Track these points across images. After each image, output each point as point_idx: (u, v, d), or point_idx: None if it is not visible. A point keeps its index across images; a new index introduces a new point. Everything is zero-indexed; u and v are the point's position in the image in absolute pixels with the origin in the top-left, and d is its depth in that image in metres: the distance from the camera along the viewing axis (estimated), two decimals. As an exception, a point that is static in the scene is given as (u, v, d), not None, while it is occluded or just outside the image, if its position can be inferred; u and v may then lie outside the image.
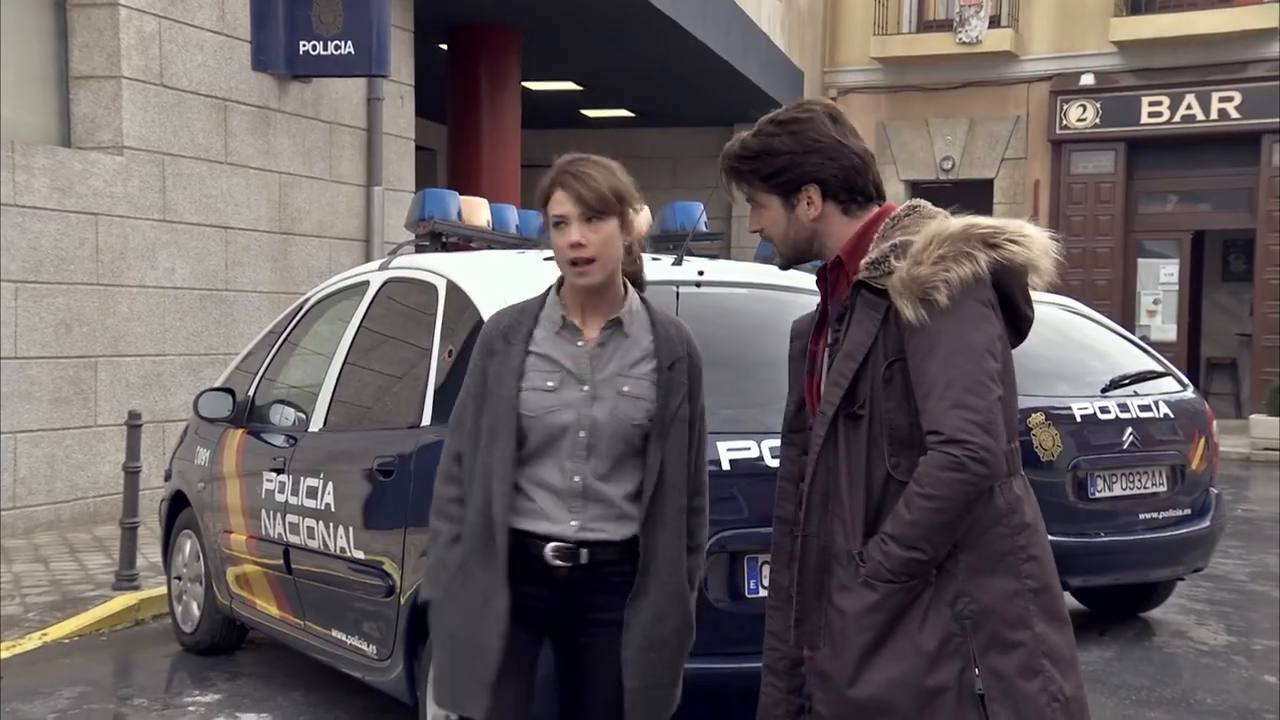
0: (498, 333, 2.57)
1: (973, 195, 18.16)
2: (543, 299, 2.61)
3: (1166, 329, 17.08)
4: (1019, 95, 17.86)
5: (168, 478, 5.91)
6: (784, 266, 2.44)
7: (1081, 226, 17.70)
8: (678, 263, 4.28)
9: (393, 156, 10.41)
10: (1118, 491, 5.52)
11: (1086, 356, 5.94)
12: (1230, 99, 16.63)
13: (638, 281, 2.61)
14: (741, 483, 3.58)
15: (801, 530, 2.24)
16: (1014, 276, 2.16)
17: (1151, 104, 17.06)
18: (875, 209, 2.29)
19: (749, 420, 3.68)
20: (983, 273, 2.11)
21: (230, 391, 5.17)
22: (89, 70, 8.00)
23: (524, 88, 13.00)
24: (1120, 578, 5.65)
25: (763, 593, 3.54)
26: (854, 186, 2.28)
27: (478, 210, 4.72)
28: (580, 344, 2.51)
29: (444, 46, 12.34)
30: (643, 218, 2.55)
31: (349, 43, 9.05)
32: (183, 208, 8.49)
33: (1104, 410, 5.53)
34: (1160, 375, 5.98)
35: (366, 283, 4.78)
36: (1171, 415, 5.72)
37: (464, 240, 4.80)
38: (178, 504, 5.69)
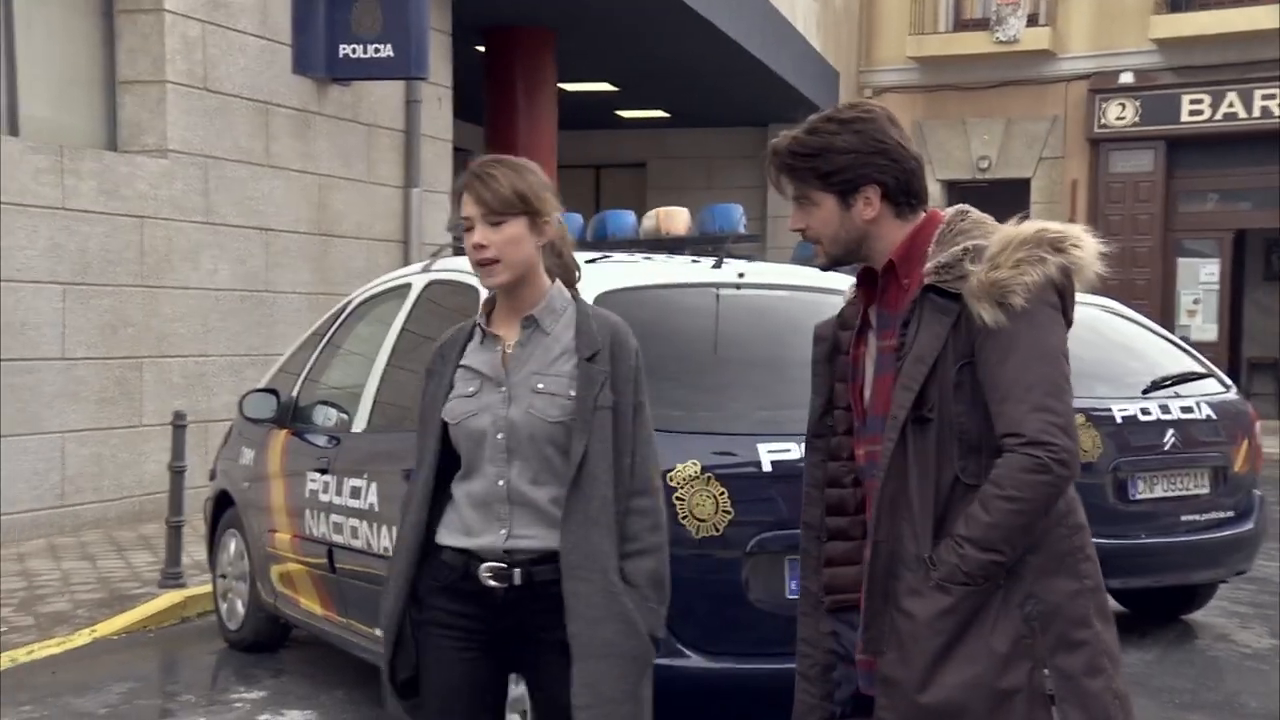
0: (437, 354, 2.59)
1: (1010, 195, 18.05)
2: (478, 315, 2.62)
3: (1207, 329, 16.93)
4: (1057, 94, 17.75)
5: (212, 477, 5.99)
6: (826, 267, 2.41)
7: (1120, 226, 17.55)
8: (718, 265, 4.31)
9: (430, 158, 10.50)
10: (1159, 493, 5.50)
11: (1127, 357, 5.91)
12: (1273, 96, 16.46)
13: (569, 280, 2.58)
14: (782, 484, 3.61)
15: (871, 536, 2.22)
16: (1069, 281, 2.19)
17: (1192, 102, 16.91)
18: (923, 214, 2.31)
19: (789, 422, 3.68)
20: (1056, 276, 2.14)
21: (274, 392, 5.24)
22: (135, 75, 8.12)
23: (559, 89, 13.06)
24: (1161, 580, 5.63)
25: (792, 598, 3.60)
26: (910, 190, 2.28)
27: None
28: (499, 349, 2.51)
29: (480, 48, 12.41)
30: (556, 219, 2.51)
31: (388, 46, 9.13)
32: (225, 210, 8.60)
33: (1145, 412, 5.51)
34: (1202, 376, 5.95)
35: (409, 285, 4.83)
36: (1214, 417, 5.68)
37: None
38: (222, 503, 5.77)
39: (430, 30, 9.46)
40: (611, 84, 15.29)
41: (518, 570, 2.43)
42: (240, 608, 5.59)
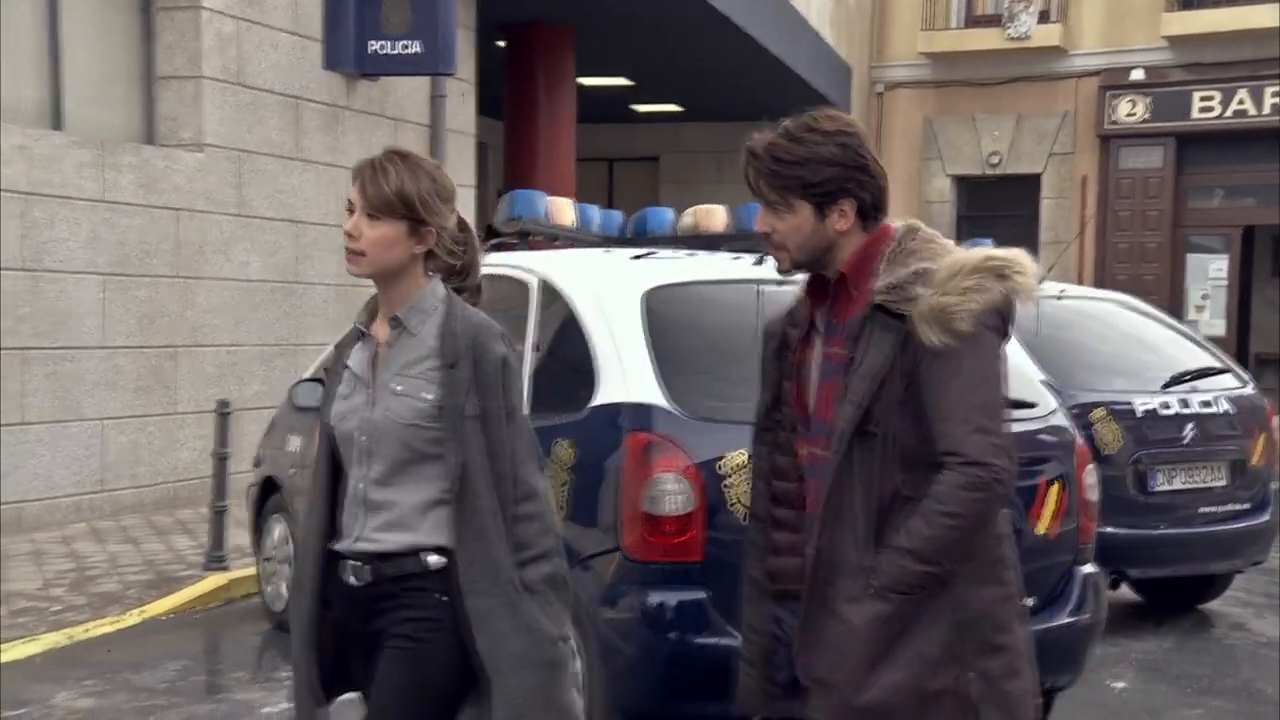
0: (334, 353, 2.57)
1: (1020, 190, 18.23)
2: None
3: (1215, 324, 17.06)
4: (1068, 90, 17.86)
5: (257, 464, 6.17)
6: (788, 272, 2.42)
7: (1129, 222, 17.70)
8: (759, 261, 4.47)
9: (454, 152, 10.65)
10: (1178, 485, 5.66)
11: (1147, 352, 6.08)
12: (1284, 94, 16.60)
13: (464, 281, 2.51)
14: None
15: (813, 543, 2.29)
16: (1010, 306, 2.25)
17: (1203, 99, 17.03)
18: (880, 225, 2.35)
19: (833, 413, 3.87)
20: (999, 303, 2.19)
21: (323, 381, 5.40)
22: (172, 70, 8.28)
23: (577, 83, 13.21)
24: (1179, 570, 5.80)
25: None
26: (880, 206, 2.32)
27: (564, 210, 4.93)
28: (373, 349, 2.46)
29: (501, 44, 12.56)
30: (448, 229, 2.41)
31: (417, 42, 9.28)
32: (257, 203, 8.77)
33: (1165, 406, 5.67)
34: (1221, 371, 6.11)
35: (456, 279, 4.99)
36: (1232, 411, 5.85)
37: (549, 239, 5.02)
38: (267, 489, 5.94)
39: (457, 27, 9.61)
40: (628, 79, 15.43)
41: (367, 567, 2.40)
42: (285, 590, 5.76)
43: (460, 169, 10.79)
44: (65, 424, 7.50)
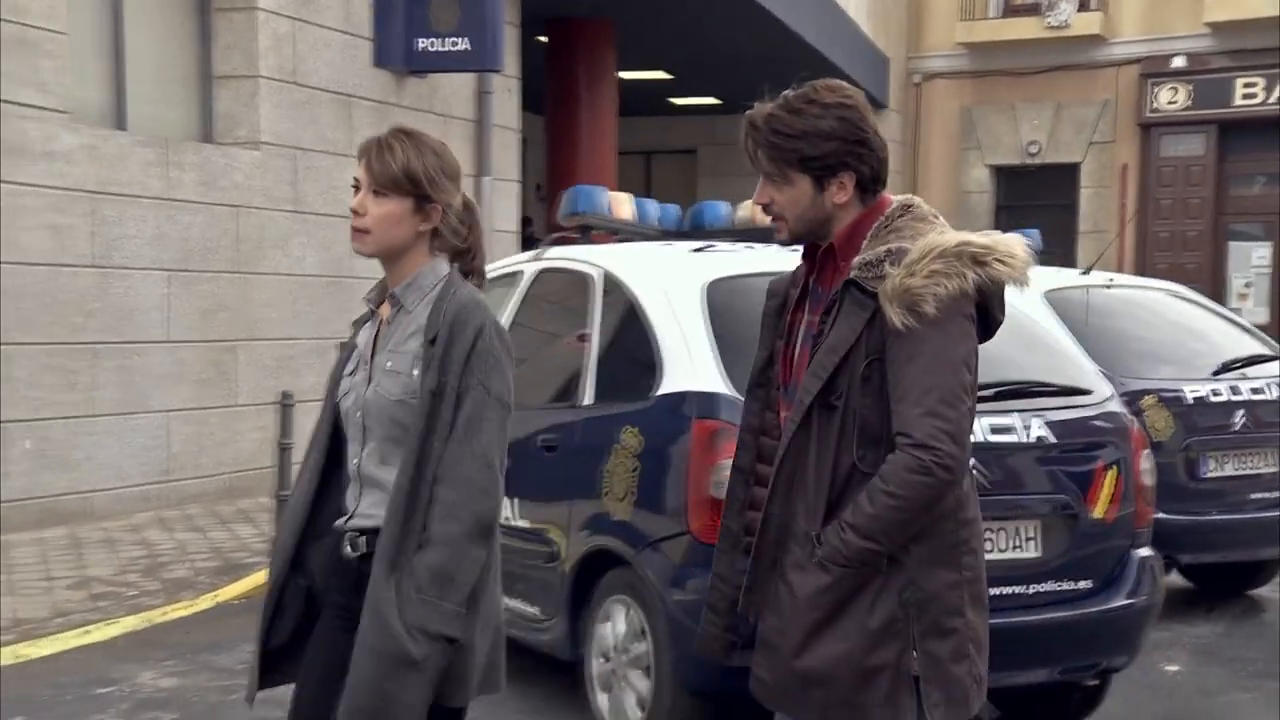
0: (352, 330, 2.59)
1: (1059, 180, 18.19)
2: None
3: (1258, 312, 16.97)
4: (1108, 79, 17.78)
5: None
6: (788, 243, 2.46)
7: (1170, 210, 17.62)
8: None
9: (500, 147, 10.80)
10: (1229, 471, 5.73)
11: (1196, 340, 6.14)
12: (1327, 79, 16.49)
13: (470, 263, 2.51)
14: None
15: (765, 507, 2.32)
16: (995, 289, 2.26)
17: (1246, 85, 16.91)
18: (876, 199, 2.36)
19: (894, 400, 3.98)
20: (969, 290, 2.20)
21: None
22: (229, 70, 8.47)
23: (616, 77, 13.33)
24: (1229, 555, 5.86)
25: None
26: (879, 178, 2.33)
27: (624, 205, 5.06)
28: (376, 327, 2.50)
29: (543, 39, 12.70)
30: (455, 205, 2.44)
31: (465, 39, 9.44)
32: (312, 199, 8.95)
33: (1215, 393, 5.74)
34: (1271, 358, 6.16)
35: (520, 272, 5.14)
36: (1282, 397, 5.91)
37: (610, 233, 5.15)
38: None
39: (504, 24, 9.75)
40: (666, 72, 15.53)
41: (363, 539, 2.41)
42: (351, 576, 5.94)
43: (506, 164, 10.94)
44: (132, 416, 7.71)
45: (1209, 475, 5.70)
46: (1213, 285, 17.07)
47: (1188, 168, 17.58)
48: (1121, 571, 4.08)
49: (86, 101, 7.64)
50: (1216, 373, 5.87)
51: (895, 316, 2.19)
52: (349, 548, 2.43)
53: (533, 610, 4.52)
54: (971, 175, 18.69)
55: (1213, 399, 5.73)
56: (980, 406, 3.89)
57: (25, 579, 6.06)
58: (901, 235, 2.27)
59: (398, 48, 9.45)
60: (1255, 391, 5.84)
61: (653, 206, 5.32)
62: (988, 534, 3.91)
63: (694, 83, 16.22)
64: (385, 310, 2.48)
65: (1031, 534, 3.95)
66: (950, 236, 2.25)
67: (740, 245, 4.86)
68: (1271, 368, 6.10)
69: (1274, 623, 5.88)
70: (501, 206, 10.77)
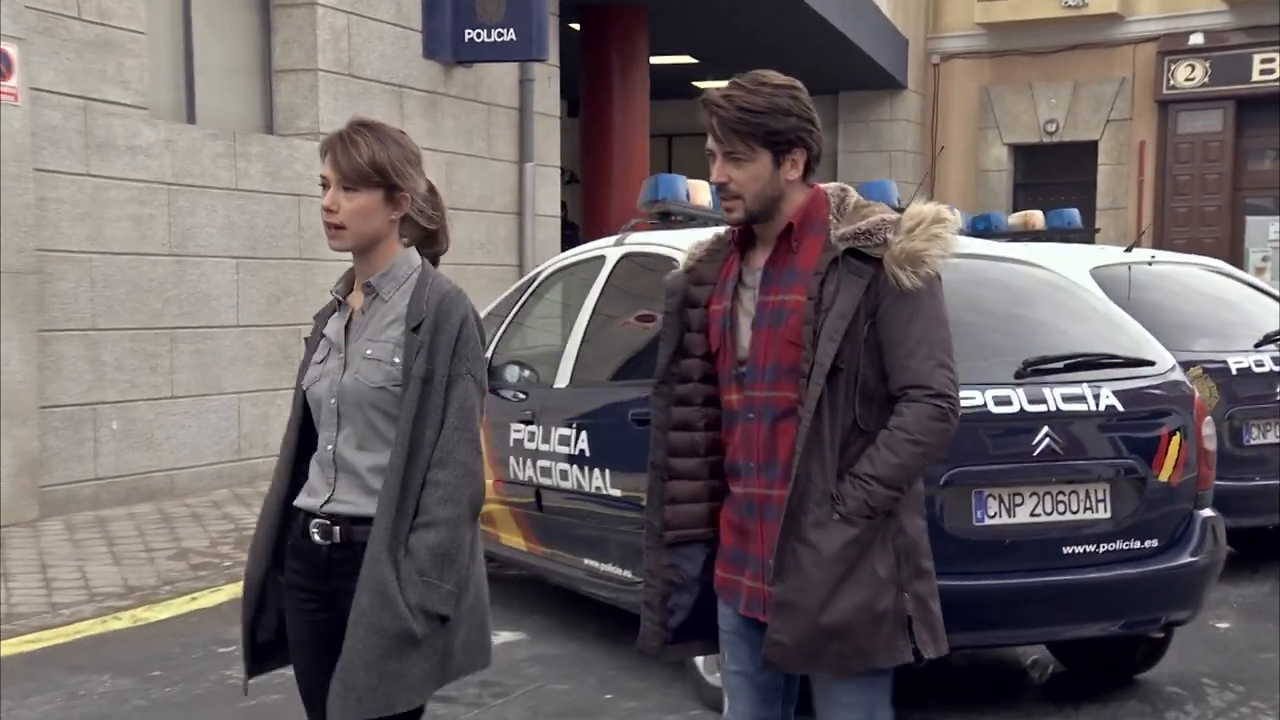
0: (316, 321, 2.62)
1: (1077, 157, 18.39)
2: None
3: (1274, 285, 17.18)
4: (1125, 56, 17.96)
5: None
6: (741, 222, 2.50)
7: (1188, 186, 17.82)
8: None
9: (542, 134, 11.08)
10: (1271, 439, 6.02)
11: (1237, 314, 6.42)
12: (1345, 55, 16.67)
13: (435, 246, 2.58)
14: (968, 427, 4.12)
15: (795, 471, 2.38)
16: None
17: (1263, 61, 17.08)
18: (810, 185, 2.51)
19: (972, 372, 4.22)
20: (948, 254, 2.42)
21: (473, 355, 5.88)
22: (289, 64, 8.76)
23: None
24: (1271, 520, 6.15)
25: (989, 520, 4.17)
26: (818, 159, 2.50)
27: (702, 192, 5.35)
28: (347, 316, 2.53)
29: (575, 26, 12.95)
30: (420, 193, 2.51)
31: (511, 30, 9.71)
32: (368, 187, 9.23)
33: (1258, 364, 6.02)
34: (1310, 330, 6.45)
35: (602, 257, 5.43)
36: (1322, 368, 6.19)
37: (688, 218, 5.44)
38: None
39: (549, 15, 10.02)
40: (693, 56, 15.78)
41: (338, 528, 2.43)
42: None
43: (547, 150, 11.22)
44: (207, 397, 8.04)
45: (1252, 443, 5.99)
46: (1230, 260, 17.22)
47: (1205, 144, 17.77)
48: (1186, 531, 4.35)
49: (161, 97, 7.94)
50: (1258, 344, 6.15)
51: (904, 278, 2.36)
52: (318, 535, 2.45)
53: (625, 573, 4.83)
54: (990, 154, 18.89)
55: (1256, 370, 6.01)
56: (1052, 377, 4.24)
57: (128, 550, 6.40)
58: (874, 210, 2.44)
59: (446, 39, 9.72)
60: (1295, 362, 6.13)
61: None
62: (1060, 497, 4.23)
63: (718, 66, 16.44)
64: (357, 300, 2.51)
65: (1101, 496, 4.24)
66: (929, 206, 2.44)
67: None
68: (1309, 340, 6.37)
69: (1314, 582, 6.18)
70: (544, 192, 11.06)
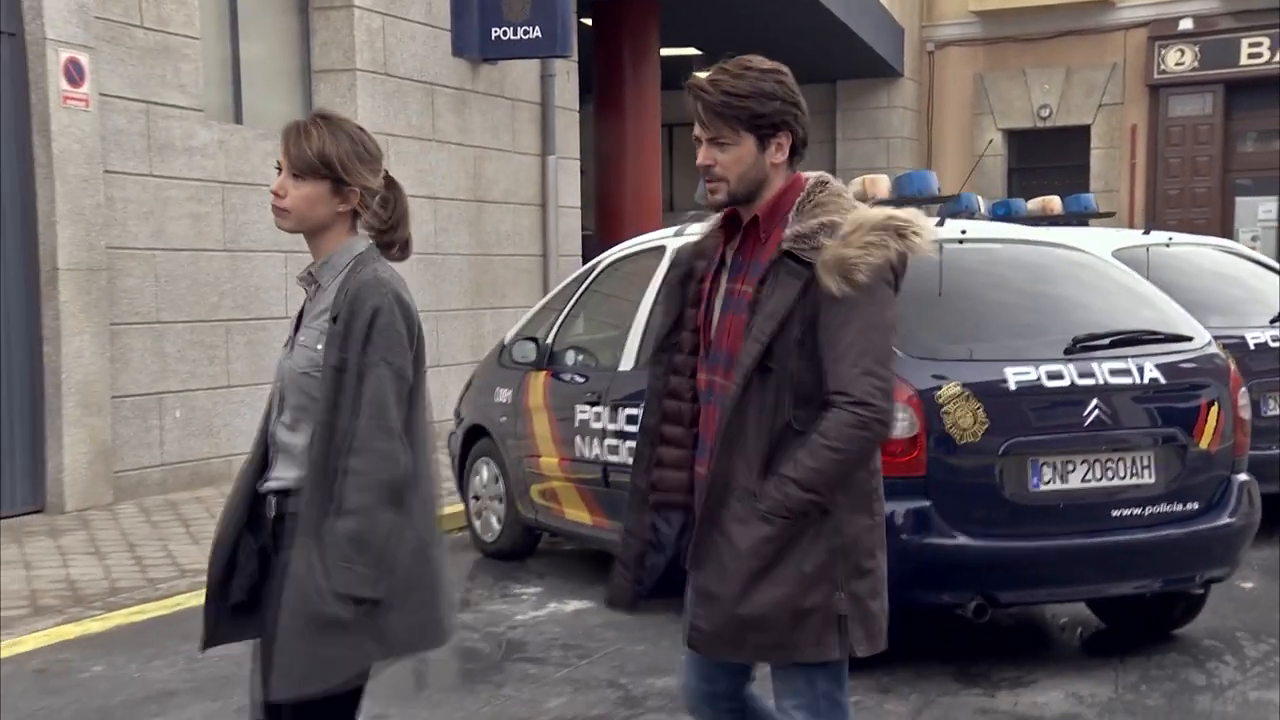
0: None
1: (1070, 141, 18.77)
2: None
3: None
4: (1116, 42, 18.31)
5: (457, 415, 6.97)
6: (723, 205, 2.54)
7: (1179, 168, 18.21)
8: (940, 224, 5.21)
9: (562, 128, 11.39)
10: (1292, 411, 6.41)
11: (1252, 291, 6.79)
12: (1331, 38, 17.06)
13: (393, 237, 2.62)
14: (1025, 399, 4.50)
15: (710, 466, 2.45)
16: (905, 263, 2.42)
17: (1251, 45, 17.46)
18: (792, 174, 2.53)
19: (1026, 349, 4.61)
20: (895, 260, 2.38)
21: (535, 340, 6.21)
22: (328, 64, 9.06)
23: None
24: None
25: (1044, 486, 4.52)
26: (805, 144, 2.51)
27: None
28: (309, 299, 2.62)
29: (587, 21, 13.24)
30: (373, 190, 2.54)
31: (536, 28, 10.01)
32: (402, 182, 9.39)
33: (1275, 339, 6.40)
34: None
35: (663, 247, 5.75)
36: (1335, 343, 6.58)
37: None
38: (472, 437, 6.75)
39: (573, 13, 10.33)
40: (698, 48, 16.08)
41: (274, 500, 2.55)
42: (495, 523, 6.60)
43: (568, 143, 11.53)
44: (260, 386, 8.33)
45: (1270, 414, 6.36)
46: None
47: (1195, 127, 18.14)
48: (1224, 495, 4.71)
49: (212, 99, 8.22)
50: (1274, 320, 6.52)
51: (832, 284, 2.35)
52: (270, 510, 2.57)
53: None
54: (985, 139, 19.24)
55: (1272, 345, 6.38)
56: (1099, 353, 4.59)
57: (203, 530, 6.71)
58: (827, 210, 2.43)
59: (473, 38, 10.02)
60: (1309, 338, 6.51)
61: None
62: (1109, 463, 4.59)
63: (720, 58, 16.70)
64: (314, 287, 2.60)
65: (1146, 463, 4.61)
66: (876, 211, 2.44)
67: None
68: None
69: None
70: (565, 184, 11.38)
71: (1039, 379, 4.52)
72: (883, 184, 5.86)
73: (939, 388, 4.44)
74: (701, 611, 2.48)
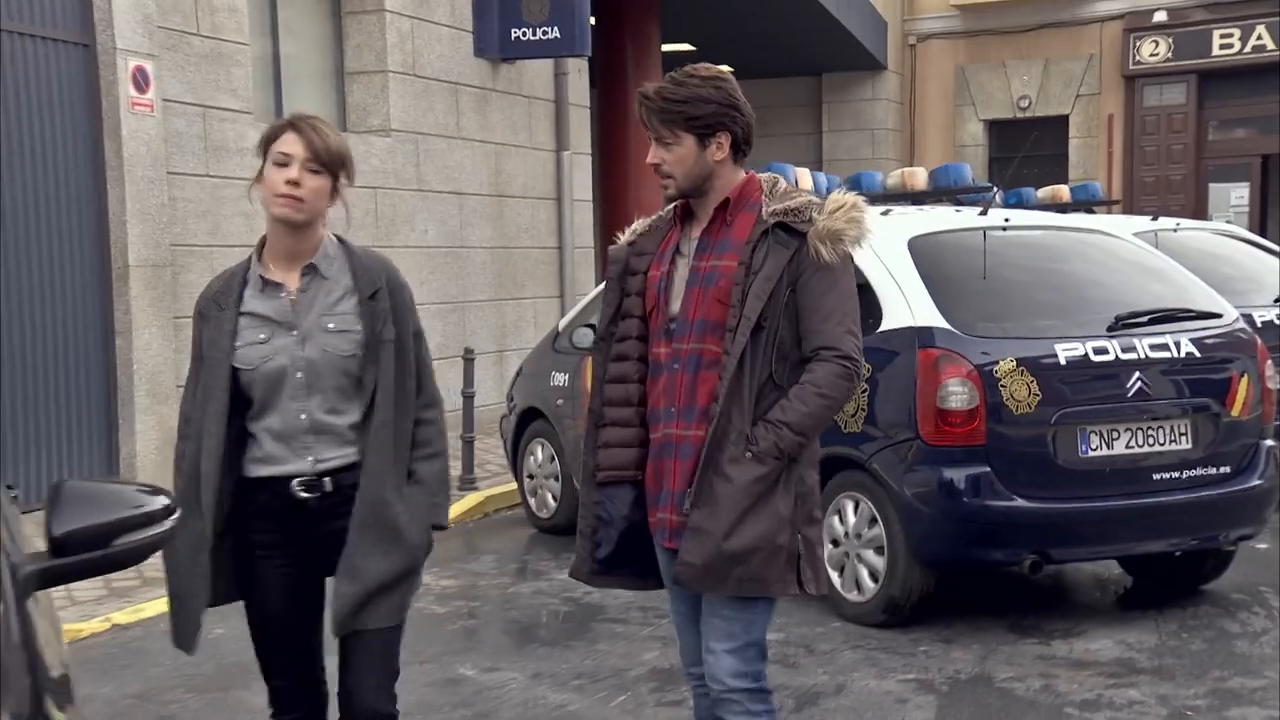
0: (210, 299, 2.72)
1: (1049, 131, 19.26)
2: (246, 263, 2.77)
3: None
4: (1092, 34, 18.80)
5: (510, 400, 7.32)
6: (674, 198, 2.81)
7: (1155, 156, 18.74)
8: (983, 213, 5.62)
9: (575, 124, 11.73)
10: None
11: (1253, 273, 7.25)
12: (1298, 29, 17.63)
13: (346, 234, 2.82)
14: (1074, 373, 4.91)
15: (717, 412, 2.67)
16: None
17: (1223, 36, 17.99)
18: (744, 173, 2.82)
19: (1073, 327, 5.01)
20: (862, 239, 2.74)
21: (593, 327, 6.57)
22: (360, 66, 9.36)
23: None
24: None
25: (1092, 453, 4.93)
26: (748, 141, 2.77)
27: (806, 178, 6.09)
28: (283, 296, 2.68)
29: (592, 20, 13.55)
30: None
31: (555, 28, 10.34)
32: (431, 179, 9.87)
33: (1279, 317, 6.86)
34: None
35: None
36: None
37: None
38: (525, 419, 7.09)
39: (589, 13, 10.67)
40: (691, 44, 16.45)
41: (328, 479, 2.67)
42: (551, 501, 6.95)
43: (581, 139, 11.87)
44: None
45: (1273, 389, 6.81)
46: (1196, 225, 18.25)
47: (1170, 116, 18.65)
48: (1253, 459, 5.14)
49: (258, 102, 8.51)
50: (1278, 299, 6.98)
51: (824, 252, 2.67)
52: (304, 491, 2.67)
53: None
54: (966, 130, 19.71)
55: (1277, 322, 6.84)
56: (1140, 329, 5.00)
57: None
58: (790, 196, 2.74)
59: (494, 38, 10.34)
60: (1310, 315, 6.98)
61: (822, 178, 6.35)
62: (1150, 431, 5.00)
63: (713, 53, 17.05)
64: (291, 280, 2.68)
65: (1184, 430, 5.04)
66: (849, 195, 2.77)
67: (913, 208, 5.89)
68: (1319, 296, 7.23)
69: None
70: (579, 178, 11.72)
71: (1086, 354, 4.93)
72: (920, 176, 6.27)
73: (996, 363, 4.83)
74: (692, 546, 2.69)
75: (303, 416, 2.66)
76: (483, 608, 5.63)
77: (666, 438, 2.77)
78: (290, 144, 2.64)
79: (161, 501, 2.04)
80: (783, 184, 2.80)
